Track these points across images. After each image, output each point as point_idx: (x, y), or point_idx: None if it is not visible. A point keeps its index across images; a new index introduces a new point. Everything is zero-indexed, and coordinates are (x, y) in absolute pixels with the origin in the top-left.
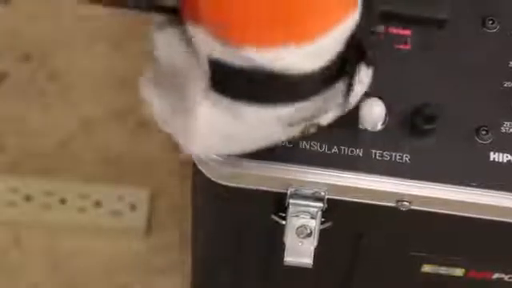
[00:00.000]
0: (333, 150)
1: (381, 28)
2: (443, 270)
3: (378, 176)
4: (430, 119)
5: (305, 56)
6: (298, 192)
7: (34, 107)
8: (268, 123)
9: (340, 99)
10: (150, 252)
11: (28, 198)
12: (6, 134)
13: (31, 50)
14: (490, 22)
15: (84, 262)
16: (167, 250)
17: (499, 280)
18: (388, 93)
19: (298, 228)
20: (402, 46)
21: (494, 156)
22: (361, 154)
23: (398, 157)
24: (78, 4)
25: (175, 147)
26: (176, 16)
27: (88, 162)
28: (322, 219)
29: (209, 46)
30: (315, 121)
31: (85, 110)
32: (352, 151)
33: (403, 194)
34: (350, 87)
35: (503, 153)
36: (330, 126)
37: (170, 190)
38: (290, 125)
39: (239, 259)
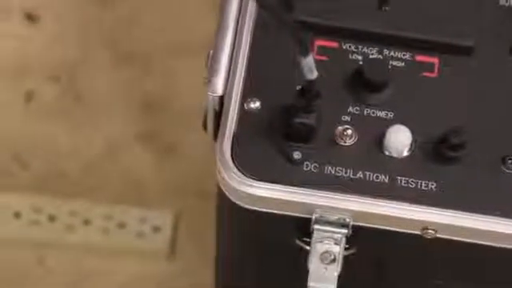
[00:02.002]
0: (358, 176)
1: (407, 56)
2: None
3: (404, 203)
4: (457, 147)
5: None
6: (322, 218)
7: (60, 128)
8: None
9: None
10: (172, 275)
11: (52, 218)
12: (31, 153)
13: (58, 70)
14: None
15: (106, 283)
16: (190, 273)
17: None
18: (414, 120)
19: (322, 254)
20: (428, 74)
21: None
22: (386, 181)
23: (423, 184)
24: None
25: (200, 170)
26: None
27: (112, 183)
28: (346, 245)
29: None
30: None
31: (111, 132)
32: (377, 177)
33: (428, 222)
34: None
35: None
36: (356, 151)
37: (194, 213)
38: None
39: (262, 283)
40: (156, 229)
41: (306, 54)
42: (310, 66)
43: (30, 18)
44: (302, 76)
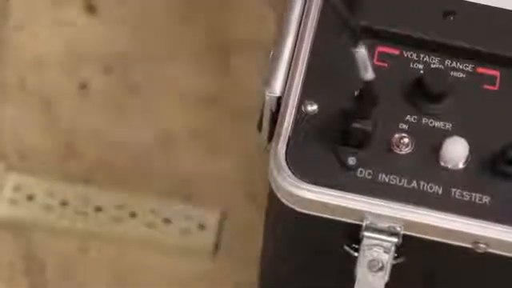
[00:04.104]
0: (412, 185)
1: (468, 68)
2: None
3: (456, 215)
4: None
5: None
6: (373, 225)
7: (112, 119)
8: None
9: None
10: (215, 273)
11: (98, 209)
12: (81, 144)
13: (113, 60)
14: None
15: (148, 277)
16: (234, 272)
17: None
18: (472, 132)
19: (370, 261)
20: (489, 87)
21: None
22: (440, 192)
23: (477, 197)
24: None
25: (249, 170)
26: None
27: (161, 178)
28: (395, 254)
29: None
30: None
31: (162, 126)
32: (431, 188)
33: (480, 236)
34: None
35: None
36: (411, 160)
37: (240, 212)
38: None
39: (307, 286)
40: (201, 226)
41: (356, 45)
42: (364, 63)
43: (89, 7)
44: (359, 76)
